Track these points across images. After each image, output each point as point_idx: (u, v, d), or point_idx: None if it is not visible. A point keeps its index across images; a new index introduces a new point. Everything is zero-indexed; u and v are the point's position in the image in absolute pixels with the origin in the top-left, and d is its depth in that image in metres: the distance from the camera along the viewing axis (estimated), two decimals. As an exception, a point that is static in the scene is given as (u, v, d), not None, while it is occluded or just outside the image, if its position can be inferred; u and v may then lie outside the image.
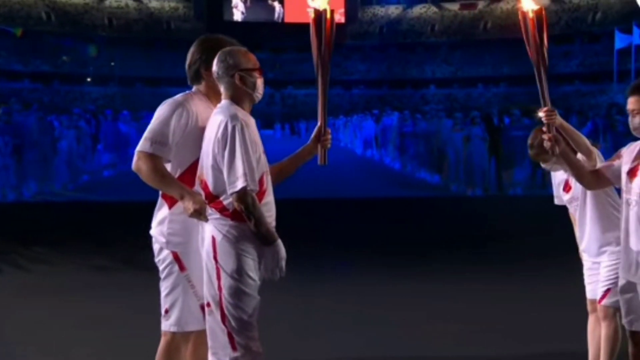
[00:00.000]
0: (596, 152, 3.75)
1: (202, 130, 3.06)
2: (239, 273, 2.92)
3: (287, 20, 64.26)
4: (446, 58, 60.74)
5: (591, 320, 4.09)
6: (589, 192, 3.80)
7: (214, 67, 3.06)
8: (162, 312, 3.12)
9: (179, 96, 3.14)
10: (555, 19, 56.28)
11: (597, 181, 3.57)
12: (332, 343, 5.17)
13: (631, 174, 3.36)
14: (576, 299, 4.42)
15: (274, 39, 63.75)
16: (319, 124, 3.30)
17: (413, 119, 18.85)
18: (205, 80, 3.18)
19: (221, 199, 2.97)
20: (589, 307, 4.09)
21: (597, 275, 3.97)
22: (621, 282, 3.51)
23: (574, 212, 4.08)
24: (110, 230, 10.12)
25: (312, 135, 3.32)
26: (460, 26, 62.19)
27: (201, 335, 3.13)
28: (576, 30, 55.37)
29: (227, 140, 2.90)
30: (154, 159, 2.99)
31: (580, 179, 3.58)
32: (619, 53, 37.77)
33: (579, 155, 3.70)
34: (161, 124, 3.04)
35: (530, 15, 3.38)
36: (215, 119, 3.02)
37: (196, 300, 3.08)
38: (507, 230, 10.05)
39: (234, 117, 2.95)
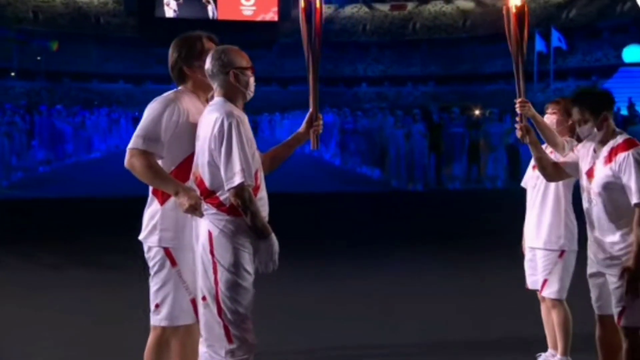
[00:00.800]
0: (567, 145, 3.90)
1: (193, 126, 3.06)
2: (236, 267, 2.92)
3: (220, 18, 63.53)
4: (377, 57, 61.67)
5: (543, 308, 4.20)
6: (553, 184, 3.94)
7: (208, 65, 3.06)
8: (152, 307, 3.10)
9: (169, 93, 3.13)
10: (480, 22, 58.18)
11: (558, 174, 3.73)
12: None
13: (589, 174, 3.51)
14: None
15: (206, 36, 63.07)
16: (310, 110, 3.35)
17: (354, 116, 19.08)
18: (191, 77, 3.17)
19: (217, 194, 2.96)
20: (539, 296, 4.20)
21: (535, 266, 4.12)
22: (591, 269, 3.63)
23: (530, 192, 4.19)
24: (49, 228, 9.86)
25: (304, 122, 3.36)
26: (391, 26, 63.31)
27: (189, 328, 3.13)
28: (496, 32, 57.14)
29: (223, 136, 2.91)
30: (147, 156, 2.97)
31: (542, 170, 3.73)
32: (539, 55, 39.33)
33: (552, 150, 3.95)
34: (153, 121, 3.01)
35: (513, 10, 3.47)
36: (211, 117, 3.00)
37: (187, 295, 3.07)
38: (448, 223, 10.30)
39: (229, 115, 2.96)
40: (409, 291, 6.49)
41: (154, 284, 3.11)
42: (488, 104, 28.75)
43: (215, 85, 3.09)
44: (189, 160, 3.08)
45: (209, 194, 2.98)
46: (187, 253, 3.06)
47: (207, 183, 2.98)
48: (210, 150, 2.95)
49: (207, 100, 3.25)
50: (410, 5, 64.57)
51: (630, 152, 3.36)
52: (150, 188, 3.13)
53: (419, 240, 9.08)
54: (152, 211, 3.10)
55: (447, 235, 9.23)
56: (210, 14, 63.98)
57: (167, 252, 3.04)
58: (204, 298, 2.98)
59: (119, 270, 6.78)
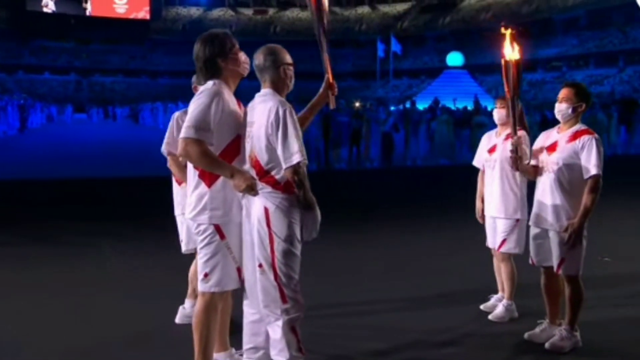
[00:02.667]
0: (526, 145, 4.05)
1: (233, 114, 3.08)
2: (291, 238, 3.01)
3: (93, 14, 60.79)
4: (242, 55, 62.15)
5: (495, 261, 4.45)
6: (507, 165, 4.14)
7: (259, 60, 3.12)
8: (201, 276, 3.10)
9: (212, 86, 3.06)
10: (333, 27, 60.70)
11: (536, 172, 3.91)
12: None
13: (550, 148, 3.75)
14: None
15: (80, 30, 60.08)
16: (326, 76, 3.39)
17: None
18: (225, 69, 3.12)
19: (273, 174, 3.02)
20: (493, 252, 4.42)
21: (495, 228, 4.31)
22: (534, 231, 3.83)
23: (488, 172, 4.35)
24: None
25: (323, 85, 3.41)
26: (255, 29, 64.05)
27: (226, 293, 3.22)
28: (347, 37, 60.13)
29: (279, 122, 2.96)
30: (201, 144, 2.93)
31: (529, 177, 3.98)
32: (380, 58, 42.10)
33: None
34: (202, 112, 2.96)
35: (513, 62, 3.66)
36: (264, 106, 3.05)
37: (233, 264, 3.11)
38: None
39: (283, 103, 3.03)
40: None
41: (202, 255, 3.10)
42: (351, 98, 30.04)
43: (265, 78, 3.13)
44: (231, 144, 3.09)
45: (265, 174, 3.03)
46: (234, 227, 3.11)
47: (264, 165, 3.03)
48: (267, 135, 2.99)
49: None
50: (271, 11, 65.87)
51: (593, 136, 3.64)
52: (196, 172, 3.10)
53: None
54: (200, 193, 3.08)
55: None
56: (87, 12, 61.09)
57: (217, 228, 3.07)
58: (260, 265, 3.05)
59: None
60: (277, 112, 2.99)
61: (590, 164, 3.58)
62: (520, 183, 4.25)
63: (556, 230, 3.68)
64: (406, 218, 8.45)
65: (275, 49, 3.18)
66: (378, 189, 12.05)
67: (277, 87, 3.14)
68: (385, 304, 4.59)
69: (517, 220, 4.24)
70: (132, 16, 62.40)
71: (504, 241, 4.26)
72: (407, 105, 23.57)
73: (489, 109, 17.85)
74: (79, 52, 61.83)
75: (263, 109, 3.05)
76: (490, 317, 4.28)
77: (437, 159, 16.26)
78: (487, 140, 4.47)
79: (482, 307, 4.44)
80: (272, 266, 3.02)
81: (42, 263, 5.79)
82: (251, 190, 2.98)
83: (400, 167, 15.50)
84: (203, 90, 3.06)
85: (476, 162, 4.50)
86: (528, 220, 4.15)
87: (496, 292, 4.50)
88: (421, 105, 23.82)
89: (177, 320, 4.13)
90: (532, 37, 46.32)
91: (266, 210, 3.02)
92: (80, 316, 4.34)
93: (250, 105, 3.18)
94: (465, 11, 58.26)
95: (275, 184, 3.02)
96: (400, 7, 62.34)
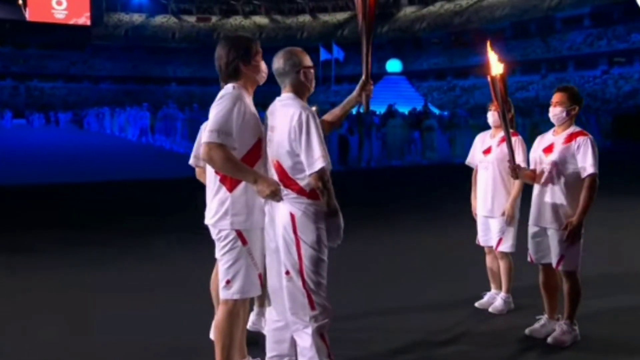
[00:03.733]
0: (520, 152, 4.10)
1: (253, 118, 2.92)
2: (318, 243, 2.87)
3: (31, 19, 58.00)
4: (186, 61, 61.10)
5: (488, 259, 4.44)
6: (501, 167, 4.19)
7: (279, 64, 2.96)
8: (223, 283, 2.93)
9: (233, 90, 2.90)
10: (273, 35, 60.63)
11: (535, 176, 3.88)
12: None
13: (547, 150, 3.76)
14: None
15: (16, 35, 57.24)
16: (363, 77, 3.20)
17: (204, 110, 18.79)
18: (245, 74, 2.95)
19: (298, 180, 2.87)
20: (486, 250, 4.43)
21: (488, 227, 4.30)
22: (533, 229, 3.82)
23: (481, 173, 4.32)
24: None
25: (357, 87, 3.22)
26: (198, 35, 63.00)
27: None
28: (289, 44, 59.45)
29: (302, 127, 2.81)
30: (224, 149, 2.78)
31: (529, 182, 3.90)
32: (322, 64, 42.31)
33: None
34: (224, 117, 2.80)
35: (498, 77, 3.61)
36: (286, 110, 2.89)
37: (255, 270, 2.95)
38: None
39: (305, 108, 2.88)
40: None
41: (224, 262, 2.93)
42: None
43: (285, 83, 2.97)
44: (253, 148, 2.93)
45: (289, 180, 2.88)
46: (255, 232, 2.95)
47: (288, 171, 2.88)
48: (290, 141, 2.84)
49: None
50: (214, 18, 64.97)
51: (588, 137, 3.67)
52: (217, 177, 2.94)
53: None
54: (222, 198, 2.92)
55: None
56: (27, 17, 58.27)
57: (239, 233, 2.90)
58: (287, 272, 2.89)
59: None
60: (299, 117, 2.83)
61: (587, 163, 3.61)
62: (514, 185, 4.24)
63: (555, 229, 3.69)
64: (377, 217, 8.39)
65: (294, 52, 3.01)
66: (341, 191, 11.93)
67: (298, 91, 2.98)
68: (377, 305, 4.46)
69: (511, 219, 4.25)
70: (72, 22, 60.00)
71: (500, 240, 4.27)
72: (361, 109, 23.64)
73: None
74: (15, 57, 58.89)
75: (285, 113, 2.90)
76: (490, 309, 4.31)
77: (390, 160, 16.39)
78: (481, 141, 4.45)
79: (477, 304, 4.42)
80: (300, 273, 2.87)
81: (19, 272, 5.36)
82: (275, 196, 2.84)
83: (355, 169, 15.43)
84: (224, 95, 2.89)
85: (469, 162, 4.48)
86: (520, 219, 4.20)
87: (489, 289, 4.48)
88: (362, 109, 23.91)
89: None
90: (464, 46, 47.76)
91: (292, 216, 2.87)
92: (73, 328, 4.01)
93: (270, 109, 3.03)
94: (401, 21, 59.36)
95: (300, 190, 2.88)
96: (340, 16, 62.82)
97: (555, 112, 3.74)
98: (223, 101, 2.85)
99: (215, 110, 2.84)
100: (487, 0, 54.45)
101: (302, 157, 2.83)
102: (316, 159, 2.80)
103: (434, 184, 12.72)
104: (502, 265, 4.33)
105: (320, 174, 2.80)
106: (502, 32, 52.26)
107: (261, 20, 64.46)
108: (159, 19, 64.18)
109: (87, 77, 59.43)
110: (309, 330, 2.87)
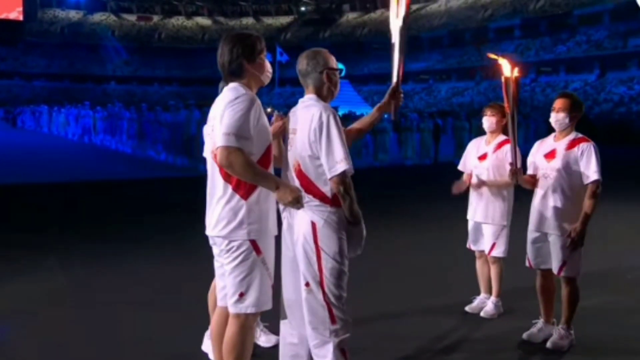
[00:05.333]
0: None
1: (266, 121, 2.69)
2: (340, 255, 2.67)
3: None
4: (126, 60, 59.07)
5: (478, 263, 4.35)
6: (497, 174, 4.11)
7: (302, 64, 2.78)
8: (236, 296, 2.65)
9: (245, 90, 2.65)
10: (216, 36, 59.55)
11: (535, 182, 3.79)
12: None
13: (549, 156, 3.66)
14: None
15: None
16: (393, 83, 3.03)
17: (153, 111, 18.09)
18: (248, 72, 2.69)
19: (319, 185, 2.67)
20: (477, 254, 4.33)
21: (480, 233, 4.22)
22: (534, 235, 3.70)
23: (477, 177, 4.20)
24: None
25: (387, 94, 3.05)
26: (139, 34, 61.14)
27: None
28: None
29: (322, 129, 2.61)
30: (244, 154, 2.52)
31: (528, 187, 3.77)
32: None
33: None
34: (241, 119, 2.54)
35: (513, 78, 3.48)
36: (307, 112, 2.70)
37: (269, 281, 2.69)
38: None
39: (326, 108, 2.67)
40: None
41: (237, 274, 2.64)
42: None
43: (308, 84, 2.78)
44: (266, 153, 2.68)
45: (311, 186, 2.68)
46: (269, 240, 2.70)
47: (310, 176, 2.68)
48: (310, 143, 2.65)
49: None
50: (156, 18, 63.14)
51: (591, 143, 3.59)
52: (227, 184, 2.65)
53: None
54: (235, 207, 2.63)
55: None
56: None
57: (253, 243, 2.64)
58: (307, 284, 2.69)
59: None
60: (320, 118, 2.64)
61: (590, 170, 3.54)
62: (508, 191, 4.18)
63: (557, 235, 3.60)
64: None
65: (318, 53, 2.81)
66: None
67: (321, 93, 2.78)
68: (368, 312, 4.21)
69: (504, 225, 4.19)
70: (2, 16, 56.78)
71: (494, 245, 4.20)
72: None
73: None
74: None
75: (306, 115, 2.71)
76: (482, 314, 4.20)
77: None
78: (476, 147, 4.32)
79: (467, 308, 4.29)
80: (321, 285, 2.67)
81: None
82: (297, 203, 2.62)
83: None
84: (239, 95, 2.61)
85: (462, 167, 4.36)
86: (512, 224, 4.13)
87: (477, 293, 4.36)
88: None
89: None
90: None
91: (314, 225, 2.67)
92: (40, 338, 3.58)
93: (292, 110, 2.84)
94: (343, 26, 59.87)
95: (322, 197, 2.68)
96: (284, 20, 62.64)
97: (558, 118, 3.66)
98: (238, 103, 2.58)
99: (231, 113, 2.56)
100: (425, 10, 55.77)
101: (323, 160, 2.64)
102: (337, 162, 2.61)
103: (392, 185, 12.66)
104: (494, 269, 4.24)
105: (341, 177, 2.61)
106: (439, 40, 53.71)
107: (204, 21, 63.24)
108: (97, 17, 61.79)
109: (19, 74, 56.39)
110: (330, 346, 2.65)
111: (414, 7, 55.34)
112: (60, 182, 11.79)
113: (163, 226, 7.20)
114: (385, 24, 3.42)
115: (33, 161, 15.93)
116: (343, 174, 2.59)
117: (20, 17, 57.48)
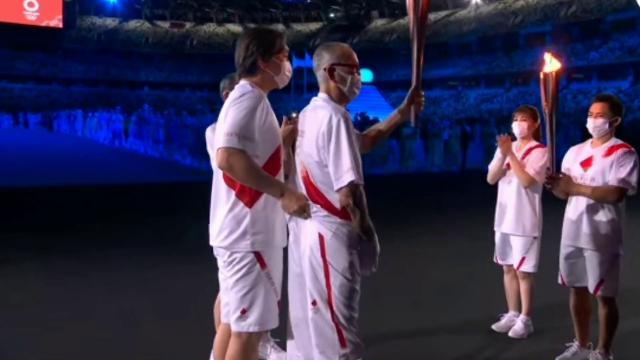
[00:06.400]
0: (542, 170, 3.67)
1: (275, 122, 2.46)
2: (351, 271, 2.40)
3: (0, 20, 55.89)
4: (159, 66, 59.94)
5: (507, 278, 4.04)
6: (522, 185, 3.82)
7: (314, 61, 2.54)
8: (238, 313, 2.41)
9: (253, 89, 2.41)
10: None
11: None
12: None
13: (584, 164, 3.32)
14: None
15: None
16: (413, 86, 2.79)
17: (180, 115, 18.14)
18: (262, 71, 2.46)
19: (327, 195, 2.41)
20: (505, 269, 4.03)
21: (509, 246, 3.91)
22: (567, 250, 3.37)
23: (503, 187, 3.94)
24: None
25: (407, 98, 2.81)
26: (171, 41, 61.97)
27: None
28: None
29: (331, 133, 2.35)
30: (246, 156, 2.28)
31: (562, 196, 3.42)
32: (294, 72, 41.92)
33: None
34: (245, 119, 2.31)
35: (553, 74, 3.16)
36: (316, 114, 2.45)
37: (275, 298, 2.44)
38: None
39: (337, 110, 2.41)
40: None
41: (239, 289, 2.40)
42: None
43: (319, 82, 2.54)
44: (274, 157, 2.43)
45: (318, 195, 2.42)
46: (275, 253, 2.45)
47: (317, 184, 2.42)
48: (318, 148, 2.39)
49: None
50: (188, 25, 63.96)
51: (630, 150, 3.24)
52: (230, 189, 2.42)
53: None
54: (239, 215, 2.38)
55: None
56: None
57: (257, 255, 2.39)
58: (314, 302, 2.42)
59: None
60: (329, 122, 2.37)
61: (621, 173, 3.15)
62: (538, 200, 3.84)
63: (593, 250, 3.24)
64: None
65: (325, 47, 2.55)
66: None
67: (330, 92, 2.51)
68: (385, 330, 3.93)
69: (535, 237, 3.83)
70: (43, 24, 58.23)
71: (523, 259, 3.84)
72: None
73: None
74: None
75: (314, 117, 2.45)
76: (510, 333, 3.83)
77: (370, 168, 15.91)
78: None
79: (494, 327, 3.94)
80: (329, 304, 2.40)
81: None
82: (303, 212, 2.35)
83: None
84: (245, 93, 2.38)
85: (490, 179, 4.01)
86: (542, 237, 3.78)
87: (506, 310, 4.01)
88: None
89: None
90: (431, 59, 47.98)
91: (321, 237, 2.40)
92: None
93: (302, 111, 2.58)
94: (372, 33, 59.53)
95: (330, 208, 2.41)
96: (313, 26, 62.66)
97: (596, 124, 3.29)
98: (243, 101, 2.35)
99: (235, 112, 2.33)
100: (454, 16, 55.03)
101: (330, 169, 2.37)
102: (345, 172, 2.33)
103: (418, 193, 12.28)
104: (523, 285, 3.90)
105: (350, 189, 2.33)
106: (468, 47, 52.90)
107: (235, 28, 63.72)
108: (132, 24, 62.83)
109: (57, 79, 57.71)
110: None
111: (443, 13, 54.77)
112: (84, 184, 11.78)
113: (178, 230, 7.03)
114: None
115: (66, 164, 16.13)
116: (351, 184, 2.32)
117: (60, 25, 58.84)
